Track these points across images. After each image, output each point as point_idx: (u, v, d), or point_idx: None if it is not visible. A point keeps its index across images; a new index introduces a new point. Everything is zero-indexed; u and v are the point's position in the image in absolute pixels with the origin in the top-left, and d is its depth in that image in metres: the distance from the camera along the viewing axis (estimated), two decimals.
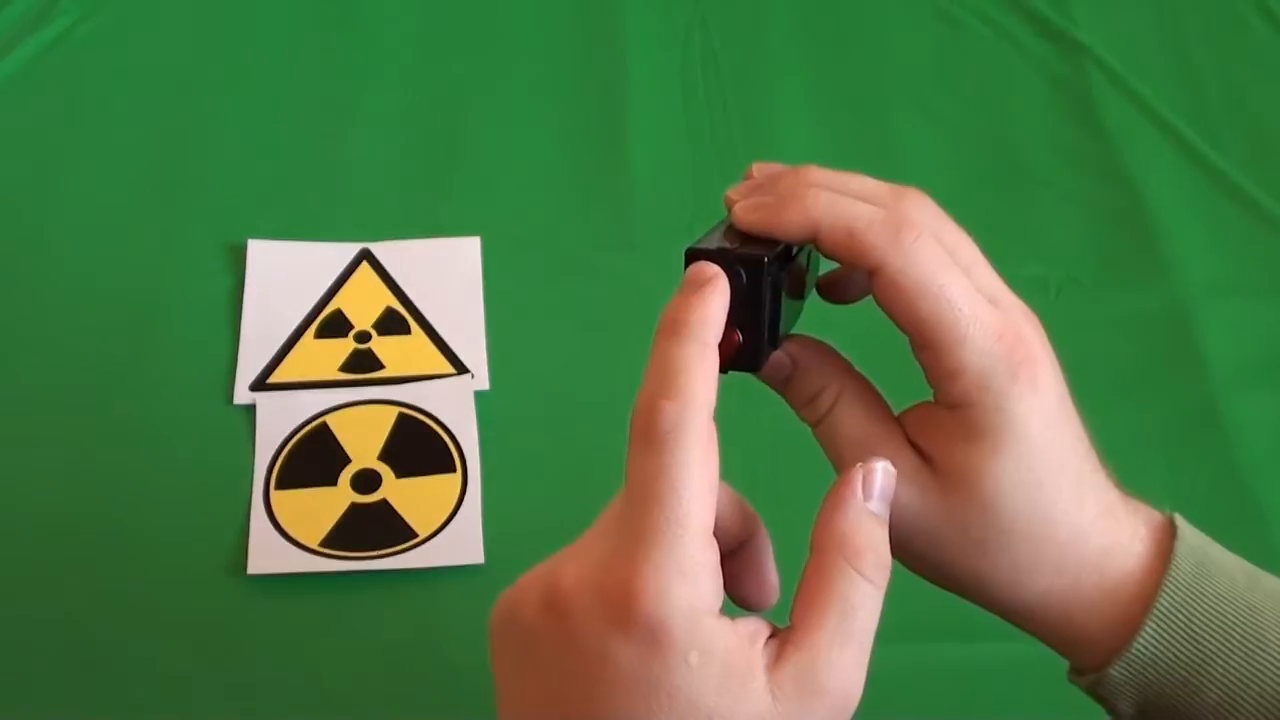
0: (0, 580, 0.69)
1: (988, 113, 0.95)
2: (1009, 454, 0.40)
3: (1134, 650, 0.41)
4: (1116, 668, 0.41)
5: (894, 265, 0.39)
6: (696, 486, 0.35)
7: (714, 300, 0.38)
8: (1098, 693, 0.43)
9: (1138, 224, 0.88)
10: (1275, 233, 0.88)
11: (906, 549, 0.42)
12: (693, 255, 0.40)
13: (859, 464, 0.39)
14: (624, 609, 0.34)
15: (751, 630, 0.36)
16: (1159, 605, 0.41)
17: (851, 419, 0.43)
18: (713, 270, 0.39)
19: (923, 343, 0.40)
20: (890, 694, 0.66)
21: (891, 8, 1.02)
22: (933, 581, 0.44)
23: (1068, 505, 0.41)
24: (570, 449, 0.74)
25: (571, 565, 0.36)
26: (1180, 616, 0.41)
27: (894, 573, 0.72)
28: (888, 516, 0.39)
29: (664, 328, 0.38)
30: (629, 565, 0.35)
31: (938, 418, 0.41)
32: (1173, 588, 0.41)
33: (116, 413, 0.75)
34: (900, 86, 0.96)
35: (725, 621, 0.35)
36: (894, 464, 0.40)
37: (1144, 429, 0.76)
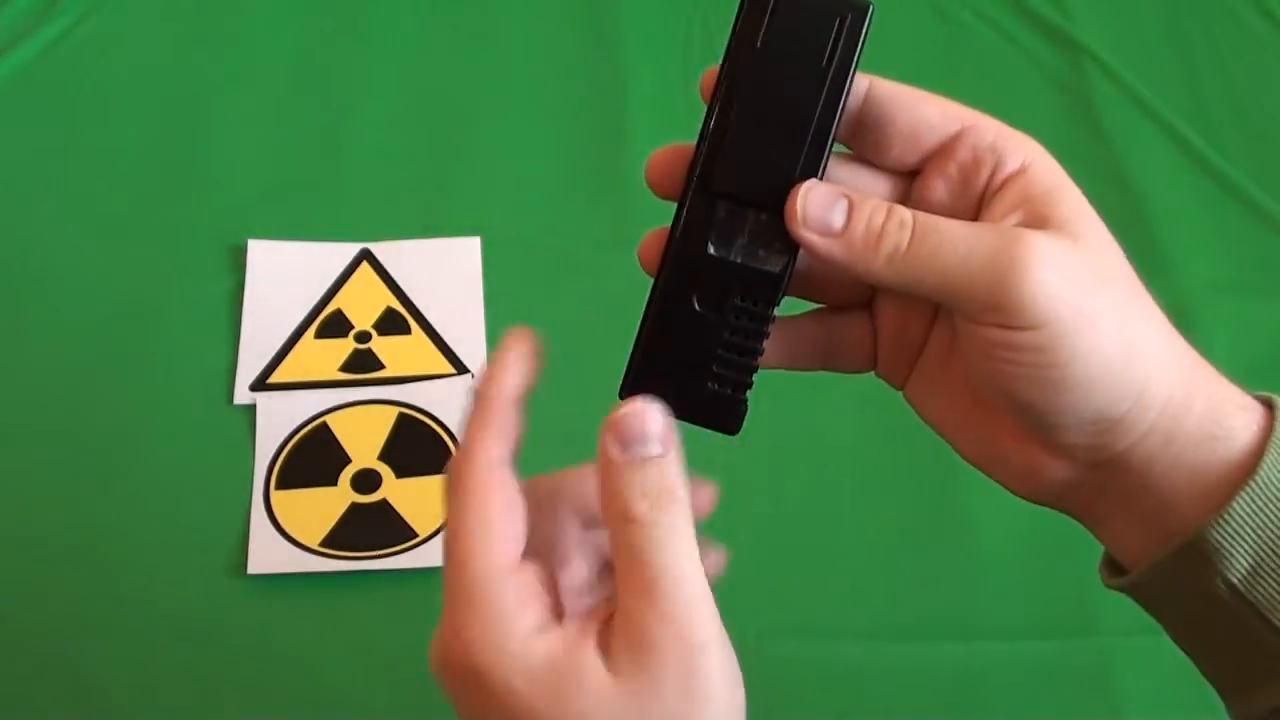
0: (0, 580, 0.69)
1: (988, 113, 0.95)
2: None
3: (1260, 477, 0.38)
4: (1241, 500, 0.38)
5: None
6: (468, 528, 0.38)
7: (500, 368, 0.41)
8: (1200, 554, 0.39)
9: (1138, 224, 0.88)
10: (1275, 233, 0.88)
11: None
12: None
13: (606, 421, 0.39)
14: (442, 667, 0.38)
15: (578, 628, 0.37)
16: (1277, 434, 0.39)
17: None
18: (516, 334, 0.42)
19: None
20: (890, 694, 0.67)
21: (891, 8, 1.02)
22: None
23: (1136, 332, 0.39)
24: (570, 449, 0.74)
25: (437, 633, 0.39)
26: None
27: (894, 573, 0.72)
28: (669, 448, 0.38)
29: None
30: (443, 630, 0.38)
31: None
32: None
33: (117, 413, 0.75)
34: None
35: (543, 636, 0.37)
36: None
37: None
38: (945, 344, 0.43)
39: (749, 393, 0.40)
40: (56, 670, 0.66)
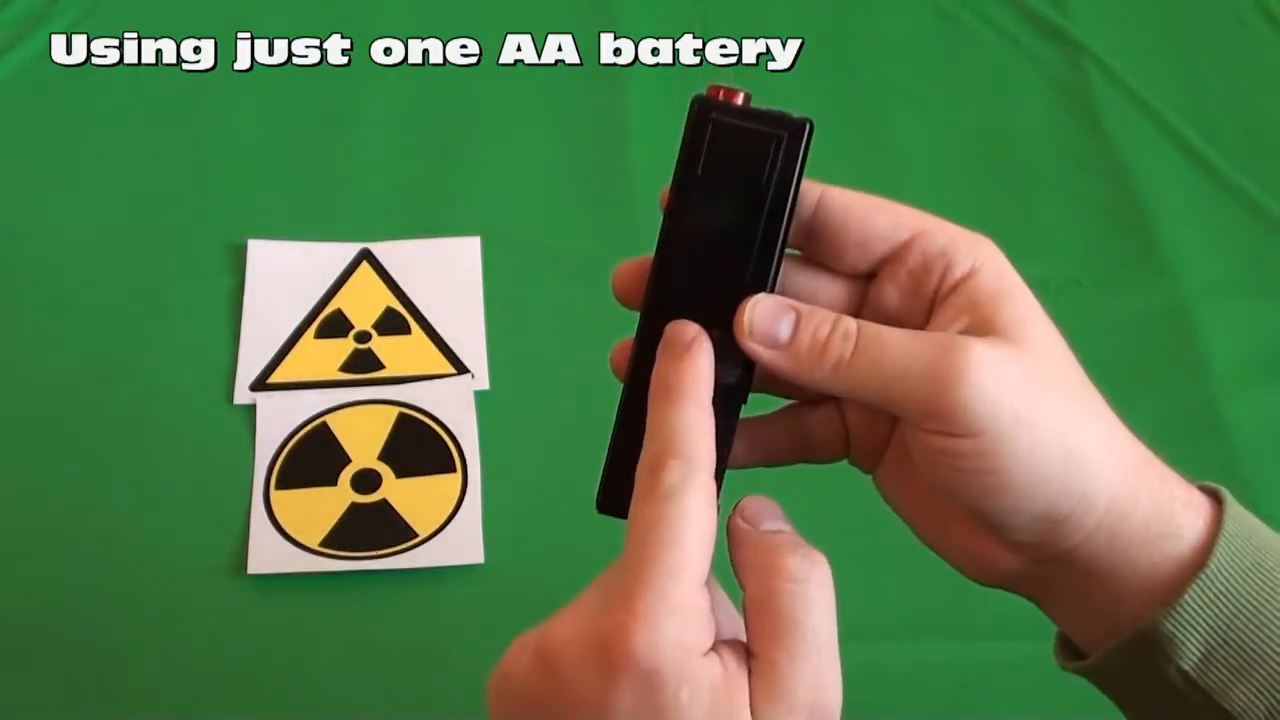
0: (0, 579, 0.69)
1: (988, 113, 0.95)
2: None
3: (1209, 571, 0.39)
4: (1192, 593, 0.39)
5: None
6: (695, 535, 0.37)
7: (701, 361, 0.40)
8: (1153, 644, 0.40)
9: (1138, 224, 0.88)
10: (1275, 233, 0.88)
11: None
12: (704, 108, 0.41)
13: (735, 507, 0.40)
14: (618, 654, 0.36)
15: (735, 661, 0.37)
16: (1226, 529, 0.40)
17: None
18: (693, 331, 0.40)
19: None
20: (890, 694, 0.67)
21: (891, 8, 1.02)
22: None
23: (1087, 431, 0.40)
24: (570, 449, 0.74)
25: (562, 623, 0.38)
26: (1244, 542, 0.40)
27: (894, 573, 0.72)
28: (789, 527, 0.40)
29: (657, 393, 0.40)
30: (624, 611, 0.36)
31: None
32: (1235, 515, 0.40)
33: (117, 412, 0.75)
34: (900, 86, 0.96)
35: (713, 658, 0.37)
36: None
37: (1143, 429, 0.75)
38: (906, 438, 0.44)
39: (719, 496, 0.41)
40: (56, 669, 0.66)
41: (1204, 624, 0.39)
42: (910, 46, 0.99)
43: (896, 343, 0.39)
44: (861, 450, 0.45)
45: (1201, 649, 0.39)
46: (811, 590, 0.38)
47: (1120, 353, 0.80)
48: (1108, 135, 0.93)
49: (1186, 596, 0.39)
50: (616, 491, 0.41)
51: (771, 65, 0.97)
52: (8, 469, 0.73)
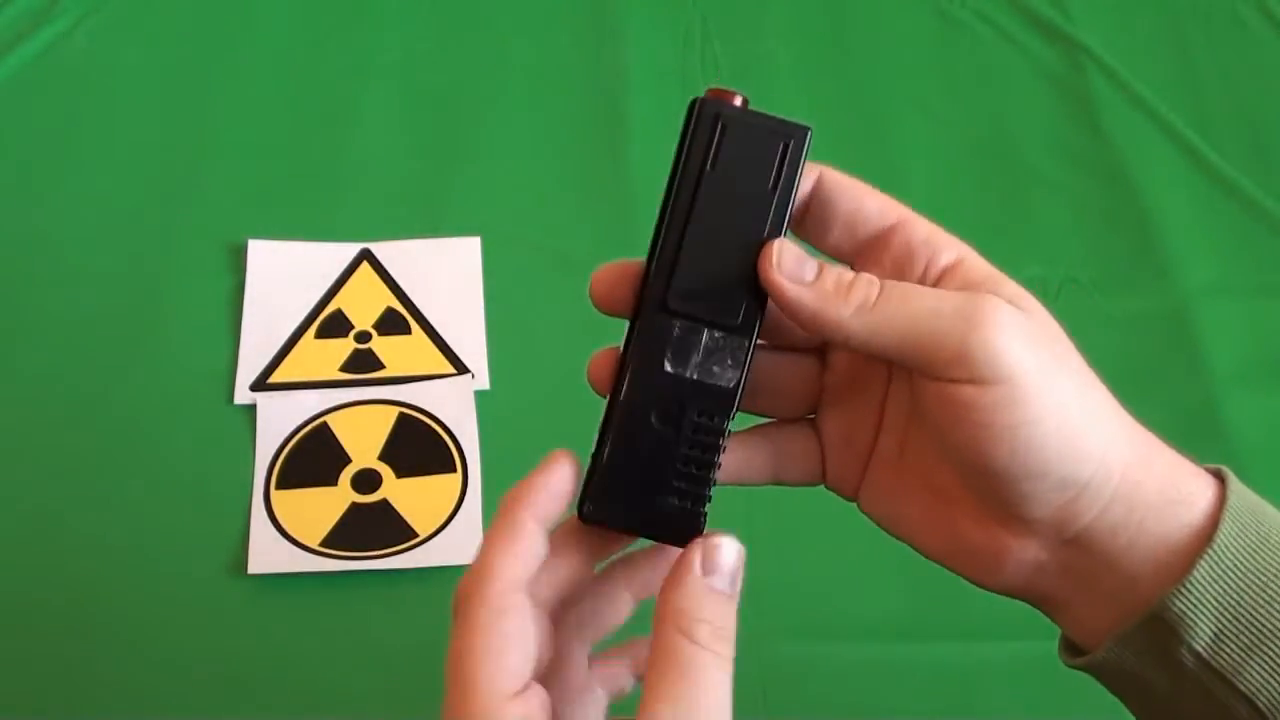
0: (0, 580, 0.69)
1: (988, 113, 0.95)
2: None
3: (1217, 546, 0.39)
4: (1201, 569, 0.39)
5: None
6: (476, 653, 0.37)
7: (538, 479, 0.40)
8: (1164, 624, 0.40)
9: (1137, 224, 0.88)
10: (1275, 233, 0.88)
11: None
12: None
13: (698, 540, 0.39)
14: None
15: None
16: (1230, 504, 0.40)
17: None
18: (560, 453, 0.41)
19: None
20: (890, 694, 0.67)
21: (891, 8, 1.02)
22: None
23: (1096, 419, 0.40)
24: (570, 448, 0.74)
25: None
26: (1250, 518, 0.40)
27: (894, 573, 0.72)
28: (735, 592, 0.39)
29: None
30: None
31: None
32: (1239, 490, 0.40)
33: (117, 413, 0.75)
34: (900, 86, 0.96)
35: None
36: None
37: None
38: (895, 447, 0.44)
39: (707, 505, 0.41)
40: (56, 669, 0.66)
41: (1214, 600, 0.39)
42: (910, 46, 0.99)
43: (923, 291, 0.39)
44: (839, 470, 0.45)
45: (1213, 627, 0.39)
46: (714, 659, 0.37)
47: (1120, 353, 0.80)
48: (1107, 135, 0.93)
49: (1195, 572, 0.39)
50: (601, 495, 0.41)
51: (771, 65, 0.97)
52: (8, 469, 0.73)
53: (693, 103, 0.41)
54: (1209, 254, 0.86)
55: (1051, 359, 0.39)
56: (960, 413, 0.39)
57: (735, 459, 0.44)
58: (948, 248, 0.41)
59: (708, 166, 0.40)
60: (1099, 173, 0.91)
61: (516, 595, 0.38)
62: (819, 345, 0.45)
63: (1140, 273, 0.85)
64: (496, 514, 0.40)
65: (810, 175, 0.41)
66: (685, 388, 0.41)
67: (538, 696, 0.38)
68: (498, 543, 0.39)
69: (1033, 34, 0.99)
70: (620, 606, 0.44)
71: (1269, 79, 0.98)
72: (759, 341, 0.41)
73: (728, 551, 0.39)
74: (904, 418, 0.43)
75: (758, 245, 0.40)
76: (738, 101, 0.41)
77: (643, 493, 0.41)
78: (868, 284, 0.39)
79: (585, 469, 0.41)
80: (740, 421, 0.43)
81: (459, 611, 0.38)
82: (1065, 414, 0.39)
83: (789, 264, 0.40)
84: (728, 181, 0.40)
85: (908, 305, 0.39)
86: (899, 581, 0.70)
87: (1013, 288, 0.40)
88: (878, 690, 0.66)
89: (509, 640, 0.37)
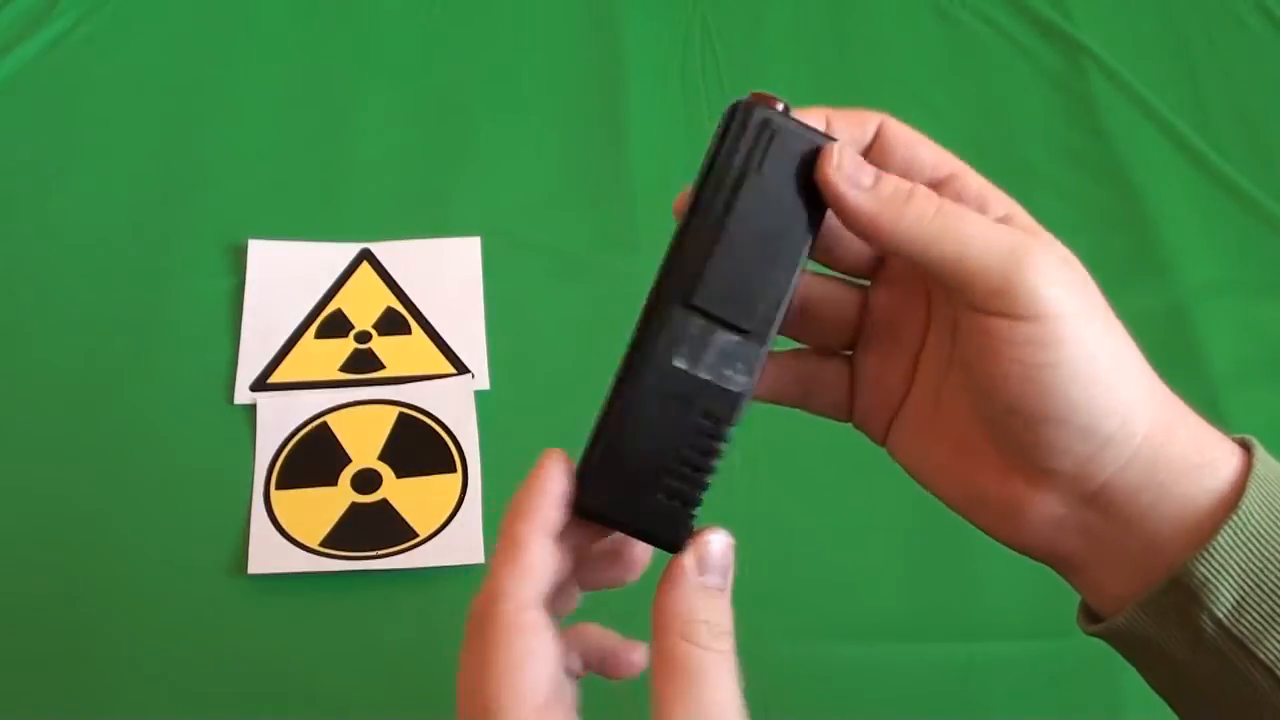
0: (0, 580, 0.69)
1: (988, 113, 0.95)
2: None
3: (1241, 512, 0.39)
4: (1225, 534, 0.39)
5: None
6: (495, 675, 0.37)
7: (534, 487, 0.40)
8: (1185, 590, 0.39)
9: (1137, 224, 0.88)
10: (1275, 233, 0.88)
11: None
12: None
13: (690, 544, 0.39)
14: None
15: None
16: (1256, 472, 0.40)
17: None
18: (551, 455, 0.40)
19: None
20: (890, 694, 0.67)
21: (891, 7, 1.02)
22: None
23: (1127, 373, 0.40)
24: (570, 449, 0.74)
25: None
26: (1275, 487, 0.40)
27: (894, 573, 0.72)
28: (728, 584, 0.39)
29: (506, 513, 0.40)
30: None
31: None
32: (1265, 459, 0.40)
33: (117, 412, 0.75)
34: (900, 86, 0.96)
35: None
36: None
37: None
38: (927, 397, 0.44)
39: (697, 510, 0.41)
40: (56, 669, 0.66)
41: (1236, 567, 0.39)
42: (910, 46, 0.99)
43: (980, 218, 0.40)
44: (869, 411, 0.45)
45: (1235, 594, 0.39)
46: (716, 657, 0.38)
47: None
48: (1107, 135, 0.93)
49: (1219, 538, 0.39)
50: (592, 481, 0.40)
51: (771, 65, 0.97)
52: (8, 468, 0.73)
53: (735, 105, 0.41)
54: (1209, 254, 0.86)
55: (1089, 308, 0.39)
56: (994, 345, 0.39)
57: (768, 375, 0.43)
58: (998, 203, 0.42)
59: (752, 170, 0.40)
60: (1099, 173, 0.91)
61: (529, 613, 0.38)
62: (867, 270, 0.45)
63: (1140, 272, 0.85)
64: (498, 534, 0.39)
65: (872, 122, 0.42)
66: (693, 386, 0.40)
67: (560, 710, 0.38)
68: (503, 566, 0.39)
69: (1033, 34, 0.99)
70: (569, 600, 0.44)
71: (1269, 79, 0.98)
72: (805, 267, 0.41)
73: (716, 545, 0.39)
74: (938, 369, 0.43)
75: (790, 254, 0.40)
76: (780, 107, 0.41)
77: (634, 486, 0.40)
78: (926, 197, 0.39)
79: (580, 461, 0.41)
80: (780, 345, 0.42)
81: (472, 633, 0.38)
82: (1095, 364, 0.39)
83: (849, 166, 0.40)
84: (769, 187, 0.40)
85: (964, 227, 0.39)
86: (899, 581, 0.70)
87: (1062, 248, 0.41)
88: (878, 690, 0.66)
89: (526, 659, 0.37)
